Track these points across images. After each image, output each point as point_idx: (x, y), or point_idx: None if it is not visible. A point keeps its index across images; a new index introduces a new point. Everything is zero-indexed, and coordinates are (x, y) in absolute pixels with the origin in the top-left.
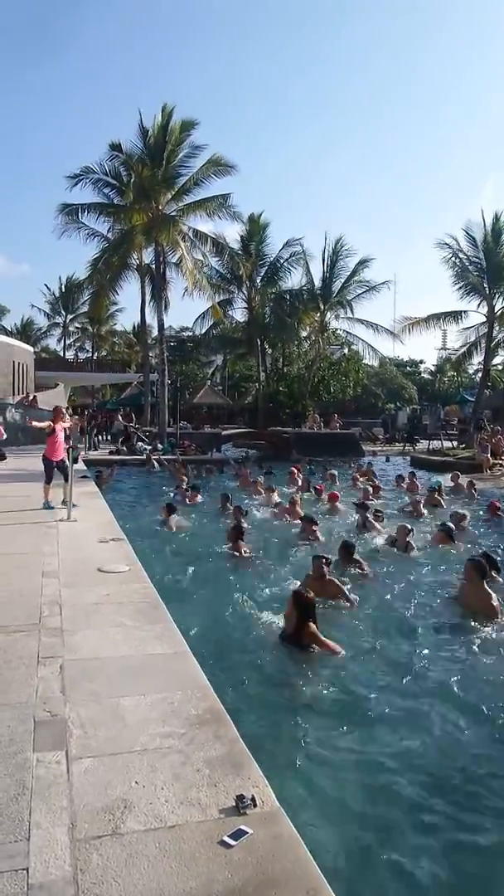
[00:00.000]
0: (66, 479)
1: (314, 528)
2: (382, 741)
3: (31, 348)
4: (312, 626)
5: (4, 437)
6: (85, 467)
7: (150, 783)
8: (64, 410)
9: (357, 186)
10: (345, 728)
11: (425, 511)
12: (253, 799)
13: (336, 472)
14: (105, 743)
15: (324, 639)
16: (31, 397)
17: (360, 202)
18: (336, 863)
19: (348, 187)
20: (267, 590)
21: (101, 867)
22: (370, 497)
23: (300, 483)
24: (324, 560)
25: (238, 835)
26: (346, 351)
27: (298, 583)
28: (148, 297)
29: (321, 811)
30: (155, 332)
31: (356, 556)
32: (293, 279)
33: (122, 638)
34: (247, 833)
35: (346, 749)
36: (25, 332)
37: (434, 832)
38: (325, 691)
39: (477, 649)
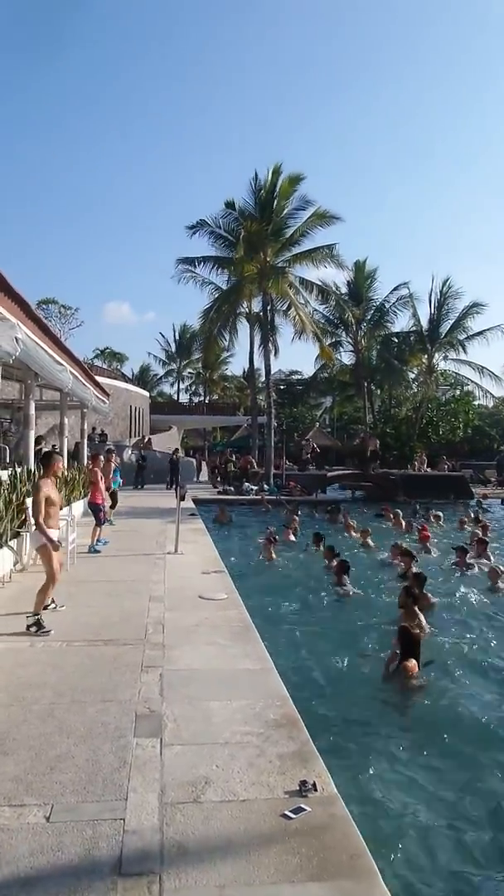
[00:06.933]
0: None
1: (411, 560)
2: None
3: (146, 393)
4: (414, 661)
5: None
6: (193, 505)
7: (229, 767)
8: (101, 455)
9: (468, 225)
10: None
11: None
12: (314, 784)
13: (441, 514)
14: (193, 735)
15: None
16: (146, 439)
17: (470, 241)
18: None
19: (458, 226)
20: (364, 622)
21: (183, 823)
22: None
23: (402, 525)
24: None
25: (297, 811)
26: (456, 392)
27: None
28: (257, 344)
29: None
30: (263, 377)
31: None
32: (401, 322)
33: (216, 654)
34: (305, 810)
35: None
36: (143, 377)
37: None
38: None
39: None
